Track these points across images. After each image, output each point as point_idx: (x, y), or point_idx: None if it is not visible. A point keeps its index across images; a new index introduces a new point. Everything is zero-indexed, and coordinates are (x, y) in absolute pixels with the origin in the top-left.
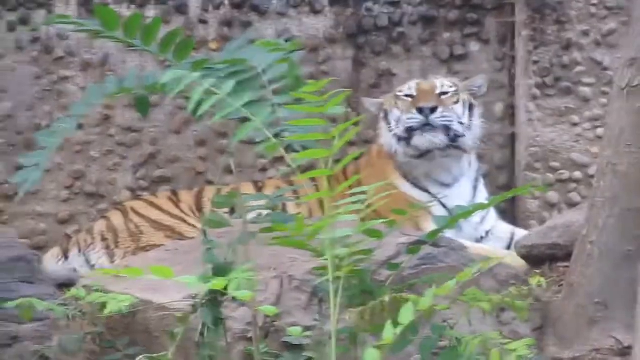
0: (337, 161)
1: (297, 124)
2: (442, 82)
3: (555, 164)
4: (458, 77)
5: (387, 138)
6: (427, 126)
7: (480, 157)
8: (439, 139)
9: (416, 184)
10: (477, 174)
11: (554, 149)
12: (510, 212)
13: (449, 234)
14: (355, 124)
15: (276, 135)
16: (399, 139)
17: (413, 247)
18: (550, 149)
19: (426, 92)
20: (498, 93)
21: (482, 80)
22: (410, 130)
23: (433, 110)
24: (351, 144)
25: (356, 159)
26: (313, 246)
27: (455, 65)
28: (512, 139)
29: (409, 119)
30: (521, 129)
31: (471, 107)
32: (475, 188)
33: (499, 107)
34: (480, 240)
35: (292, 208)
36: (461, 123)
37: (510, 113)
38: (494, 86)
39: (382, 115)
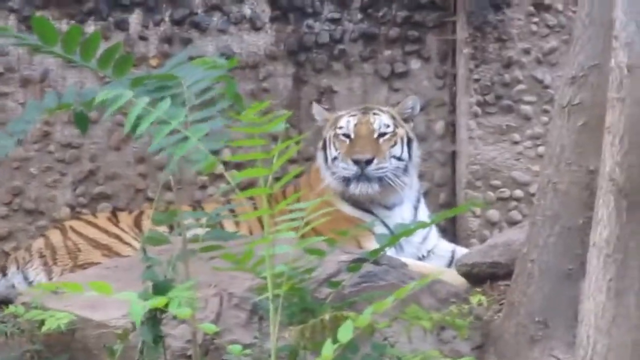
0: (277, 179)
1: (237, 143)
2: (380, 122)
3: (496, 182)
4: (399, 94)
5: (323, 169)
6: (362, 177)
7: (421, 176)
8: (373, 189)
9: (357, 206)
10: (418, 194)
11: (494, 167)
12: (451, 231)
13: (390, 253)
14: (297, 142)
15: (215, 153)
16: (335, 178)
17: (354, 265)
18: (491, 167)
19: (363, 138)
20: (439, 111)
21: (412, 102)
22: (345, 179)
23: (368, 162)
24: (292, 161)
25: (296, 176)
26: (252, 264)
27: (396, 83)
28: (453, 156)
29: (344, 168)
30: (462, 147)
31: (409, 142)
32: (416, 208)
33: (439, 125)
34: (422, 259)
35: (230, 227)
36: (401, 160)
37: (451, 131)
38: (435, 104)
39: (321, 143)
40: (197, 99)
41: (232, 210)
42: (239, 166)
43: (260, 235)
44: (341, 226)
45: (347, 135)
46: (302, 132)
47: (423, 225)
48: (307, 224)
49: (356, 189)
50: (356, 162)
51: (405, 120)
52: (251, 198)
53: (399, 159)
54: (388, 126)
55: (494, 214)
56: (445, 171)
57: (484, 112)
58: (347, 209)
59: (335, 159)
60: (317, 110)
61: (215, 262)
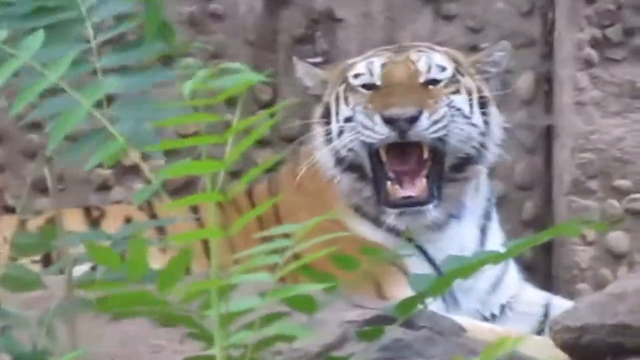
0: (235, 175)
1: (162, 107)
2: (430, 61)
3: (624, 183)
4: (454, 25)
5: (324, 153)
6: (401, 148)
7: (493, 173)
8: (433, 217)
9: (374, 221)
10: (488, 204)
11: (621, 155)
12: (543, 269)
13: (436, 308)
14: (271, 114)
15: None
16: (345, 162)
17: (370, 330)
18: (616, 155)
19: (400, 82)
20: (523, 55)
21: (500, 49)
22: (364, 145)
23: (413, 120)
24: (261, 144)
25: (270, 170)
26: (193, 327)
27: (446, 5)
28: (547, 136)
29: (364, 126)
30: (564, 120)
31: (484, 103)
32: (483, 229)
33: (525, 81)
34: (492, 319)
35: (156, 256)
36: (473, 125)
37: (545, 91)
38: (517, 43)
39: (319, 112)
40: (101, 34)
41: (158, 230)
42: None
43: (202, 276)
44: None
45: (369, 86)
46: (280, 94)
47: (495, 258)
48: (296, 257)
49: (401, 224)
50: (389, 120)
51: (482, 75)
52: (193, 209)
53: (467, 117)
54: (444, 69)
55: (619, 239)
56: (534, 163)
57: (602, 59)
58: (361, 226)
59: (348, 120)
60: (303, 69)
61: (127, 321)
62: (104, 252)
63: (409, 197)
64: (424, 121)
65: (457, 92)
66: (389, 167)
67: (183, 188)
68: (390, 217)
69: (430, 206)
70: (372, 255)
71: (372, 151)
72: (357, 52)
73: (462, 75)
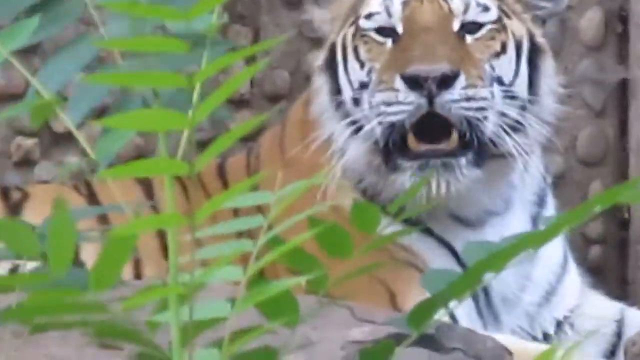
0: (203, 146)
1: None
2: None
3: None
4: None
5: (329, 119)
6: (431, 121)
7: (547, 150)
8: (466, 177)
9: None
10: (541, 187)
11: None
12: (616, 271)
13: (468, 323)
14: (251, 57)
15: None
16: (364, 137)
17: (379, 347)
18: None
19: (427, 30)
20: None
21: None
22: (390, 127)
23: (446, 82)
24: (238, 103)
25: (248, 138)
26: (145, 339)
27: None
28: (622, 95)
29: (386, 103)
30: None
31: (535, 53)
32: (537, 217)
33: (590, 21)
34: (545, 339)
35: (92, 252)
36: (513, 97)
37: (617, 34)
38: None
39: (321, 61)
40: None
41: (100, 218)
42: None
43: (157, 279)
44: (358, 256)
45: (387, 31)
46: (262, 38)
47: (533, 240)
48: (275, 242)
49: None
50: (413, 80)
51: (539, 18)
52: (147, 193)
53: (508, 92)
54: (486, 8)
55: None
56: (603, 131)
57: None
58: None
59: (363, 87)
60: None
61: (53, 341)
62: (22, 235)
63: (435, 149)
64: (457, 89)
65: (503, 49)
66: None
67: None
68: (406, 174)
69: (463, 160)
70: (374, 243)
71: (396, 132)
72: None
73: (508, 16)
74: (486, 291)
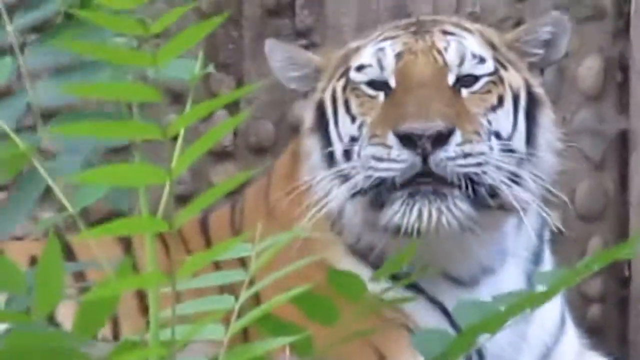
0: (184, 200)
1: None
2: (462, 47)
3: None
4: None
5: (317, 170)
6: (426, 179)
7: (545, 198)
8: (462, 211)
9: (379, 266)
10: (538, 243)
11: None
12: (616, 331)
13: None
14: (234, 108)
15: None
16: (352, 189)
17: None
18: None
19: (422, 86)
20: (588, 33)
21: (551, 25)
22: (377, 191)
23: (440, 139)
24: (221, 155)
25: (232, 192)
26: None
27: None
28: (622, 146)
29: (377, 158)
30: None
31: (534, 108)
32: (532, 276)
33: (589, 69)
34: None
35: (68, 312)
36: (511, 151)
37: (618, 83)
38: (580, 16)
39: (311, 112)
40: None
41: (82, 278)
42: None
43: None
44: (346, 319)
45: (379, 84)
46: (244, 79)
47: (530, 301)
48: (256, 301)
49: (411, 215)
50: (406, 138)
51: (533, 66)
52: (126, 248)
53: (506, 146)
54: (482, 60)
55: None
56: (602, 184)
57: None
58: (361, 275)
59: (353, 140)
60: (283, 54)
61: None
62: (10, 271)
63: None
64: (452, 146)
65: (500, 103)
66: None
67: (109, 220)
68: (396, 204)
69: (457, 191)
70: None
71: (385, 188)
72: (352, 30)
73: (505, 67)
74: (480, 353)
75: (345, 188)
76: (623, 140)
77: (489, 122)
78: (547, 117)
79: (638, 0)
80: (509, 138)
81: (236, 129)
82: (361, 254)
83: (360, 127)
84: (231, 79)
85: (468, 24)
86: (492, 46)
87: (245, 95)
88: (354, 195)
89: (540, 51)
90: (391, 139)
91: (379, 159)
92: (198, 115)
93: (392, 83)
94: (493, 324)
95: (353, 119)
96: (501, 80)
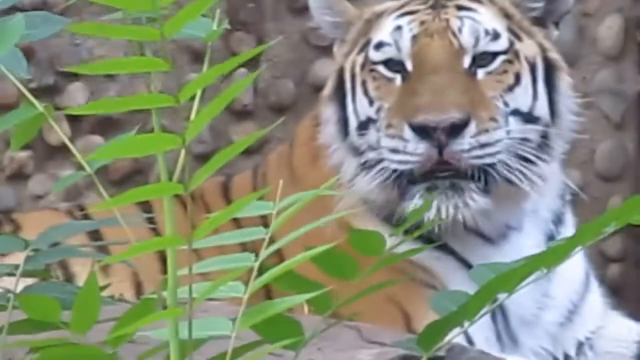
0: (204, 160)
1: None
2: (476, 29)
3: None
4: None
5: (338, 149)
6: (441, 166)
7: (566, 158)
8: (475, 202)
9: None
10: (560, 204)
11: None
12: (638, 290)
13: (483, 343)
14: (253, 62)
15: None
16: (371, 177)
17: None
18: None
19: (437, 72)
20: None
21: None
22: (397, 177)
23: (455, 130)
24: (241, 114)
25: (253, 152)
26: None
27: None
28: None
29: (393, 149)
30: None
31: (550, 73)
32: (554, 237)
33: (609, 29)
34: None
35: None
36: (534, 120)
37: (638, 43)
38: None
39: (332, 81)
40: None
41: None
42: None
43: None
44: (373, 278)
45: (396, 66)
46: (265, 38)
47: (546, 259)
48: (279, 259)
49: (429, 211)
50: (422, 130)
51: (539, 21)
52: (145, 208)
53: (529, 117)
54: (496, 36)
55: None
56: (622, 144)
57: None
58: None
59: (368, 122)
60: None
61: None
62: (39, 302)
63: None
64: (467, 137)
65: (517, 81)
66: None
67: (129, 178)
68: (415, 198)
69: (473, 184)
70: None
71: (403, 178)
72: None
73: (519, 38)
74: (504, 313)
75: (369, 177)
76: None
77: (506, 104)
78: (564, 81)
79: None
80: (531, 110)
81: (256, 88)
82: (386, 218)
83: (378, 111)
84: (251, 38)
85: None
86: (506, 15)
87: (265, 54)
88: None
89: (540, 4)
90: (407, 132)
91: (395, 151)
92: (214, 76)
93: (409, 65)
94: (508, 282)
95: (371, 102)
96: (517, 55)
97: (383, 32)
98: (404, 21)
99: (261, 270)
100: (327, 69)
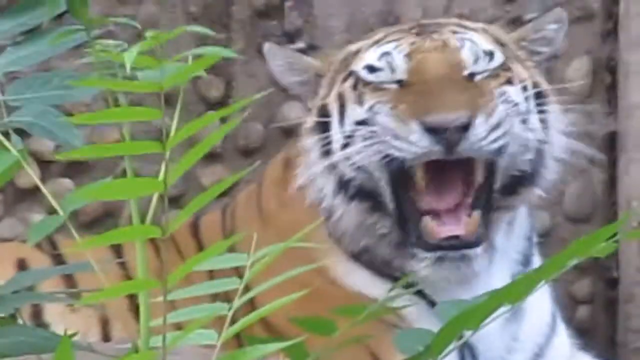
0: (174, 203)
1: (91, 118)
2: (475, 45)
3: None
4: None
5: (319, 172)
6: (443, 164)
7: (534, 207)
8: (478, 267)
9: (380, 269)
10: (527, 245)
11: None
12: (605, 332)
13: None
14: (223, 105)
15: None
16: (351, 187)
17: None
18: None
19: (439, 77)
20: (577, 34)
21: (558, 22)
22: (387, 162)
23: (465, 128)
24: (211, 157)
25: (223, 195)
26: None
27: None
28: (610, 147)
29: (394, 134)
30: (633, 125)
31: (541, 97)
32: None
33: (578, 70)
34: None
35: (63, 317)
36: (530, 129)
37: (606, 85)
38: (568, 17)
39: (314, 114)
40: None
41: (71, 281)
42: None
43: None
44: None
45: (389, 82)
46: (234, 90)
47: (510, 295)
48: (251, 306)
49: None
50: (433, 130)
51: (535, 60)
52: (116, 251)
53: (523, 116)
54: (492, 55)
55: None
56: (590, 185)
57: None
58: (360, 280)
59: (359, 124)
60: (282, 58)
61: None
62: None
63: (454, 237)
64: (480, 128)
65: (509, 81)
66: (424, 198)
67: (99, 221)
68: (422, 264)
69: (479, 249)
70: (358, 314)
71: (396, 171)
72: (342, 32)
73: (512, 61)
74: (473, 355)
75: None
76: (611, 141)
77: (505, 95)
78: (555, 110)
79: (627, 2)
80: (527, 115)
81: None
82: (361, 258)
83: (370, 108)
84: (220, 81)
85: (468, 23)
86: (499, 42)
87: (234, 97)
88: (351, 198)
89: (547, 49)
90: (414, 127)
91: (396, 136)
92: (198, 127)
93: (406, 78)
94: (473, 318)
95: (363, 105)
96: (510, 70)
97: (368, 59)
98: (389, 46)
99: (234, 318)
100: (295, 111)
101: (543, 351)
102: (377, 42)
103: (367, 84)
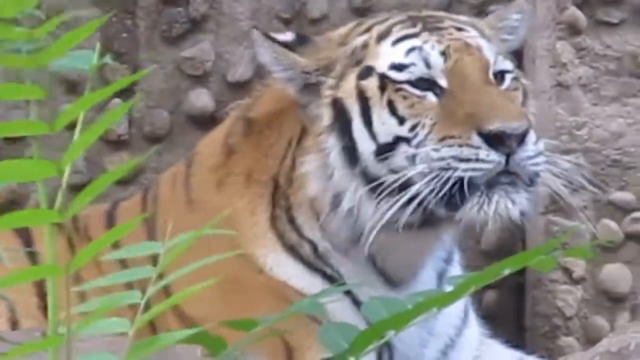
0: (78, 190)
1: None
2: (489, 47)
3: (624, 196)
4: None
5: (342, 177)
6: (502, 176)
7: None
8: (521, 203)
9: (313, 264)
10: (450, 247)
11: (620, 157)
12: (513, 318)
13: None
14: (128, 92)
15: None
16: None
17: None
18: (612, 157)
19: (477, 81)
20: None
21: (521, 12)
22: (453, 183)
23: (522, 139)
24: (117, 144)
25: (124, 182)
26: None
27: None
28: None
29: (461, 159)
30: (539, 109)
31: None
32: (442, 274)
33: None
34: None
35: None
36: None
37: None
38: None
39: (328, 110)
40: None
41: None
42: None
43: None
44: (262, 310)
45: (425, 84)
46: (139, 68)
47: (438, 300)
48: (166, 296)
49: (489, 208)
50: (497, 139)
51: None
52: (25, 239)
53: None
54: (505, 56)
55: (617, 274)
56: None
57: (593, 23)
58: (289, 272)
59: (395, 143)
60: (267, 51)
61: None
62: None
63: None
64: (530, 145)
65: (525, 98)
66: None
67: (4, 209)
68: (474, 197)
69: (523, 185)
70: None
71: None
72: (247, 18)
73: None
74: (390, 350)
75: (406, 196)
76: None
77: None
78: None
79: None
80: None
81: (131, 118)
82: (296, 253)
83: (413, 128)
84: (126, 68)
85: (461, 18)
86: (486, 37)
87: (140, 84)
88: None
89: (512, 37)
90: (476, 140)
91: (465, 160)
92: (88, 104)
93: (443, 82)
94: (400, 321)
95: (402, 121)
96: (517, 78)
97: (393, 57)
98: (416, 42)
99: (148, 306)
100: (202, 98)
101: (454, 343)
102: (384, 37)
103: (398, 89)
